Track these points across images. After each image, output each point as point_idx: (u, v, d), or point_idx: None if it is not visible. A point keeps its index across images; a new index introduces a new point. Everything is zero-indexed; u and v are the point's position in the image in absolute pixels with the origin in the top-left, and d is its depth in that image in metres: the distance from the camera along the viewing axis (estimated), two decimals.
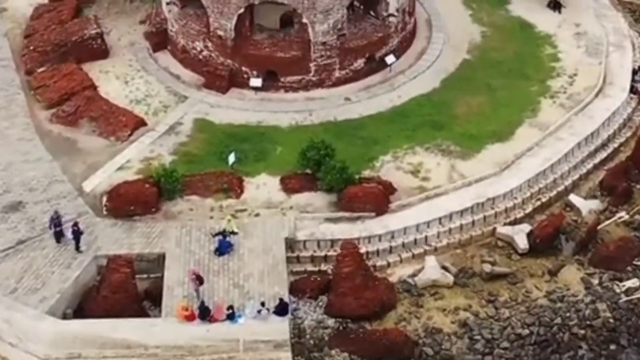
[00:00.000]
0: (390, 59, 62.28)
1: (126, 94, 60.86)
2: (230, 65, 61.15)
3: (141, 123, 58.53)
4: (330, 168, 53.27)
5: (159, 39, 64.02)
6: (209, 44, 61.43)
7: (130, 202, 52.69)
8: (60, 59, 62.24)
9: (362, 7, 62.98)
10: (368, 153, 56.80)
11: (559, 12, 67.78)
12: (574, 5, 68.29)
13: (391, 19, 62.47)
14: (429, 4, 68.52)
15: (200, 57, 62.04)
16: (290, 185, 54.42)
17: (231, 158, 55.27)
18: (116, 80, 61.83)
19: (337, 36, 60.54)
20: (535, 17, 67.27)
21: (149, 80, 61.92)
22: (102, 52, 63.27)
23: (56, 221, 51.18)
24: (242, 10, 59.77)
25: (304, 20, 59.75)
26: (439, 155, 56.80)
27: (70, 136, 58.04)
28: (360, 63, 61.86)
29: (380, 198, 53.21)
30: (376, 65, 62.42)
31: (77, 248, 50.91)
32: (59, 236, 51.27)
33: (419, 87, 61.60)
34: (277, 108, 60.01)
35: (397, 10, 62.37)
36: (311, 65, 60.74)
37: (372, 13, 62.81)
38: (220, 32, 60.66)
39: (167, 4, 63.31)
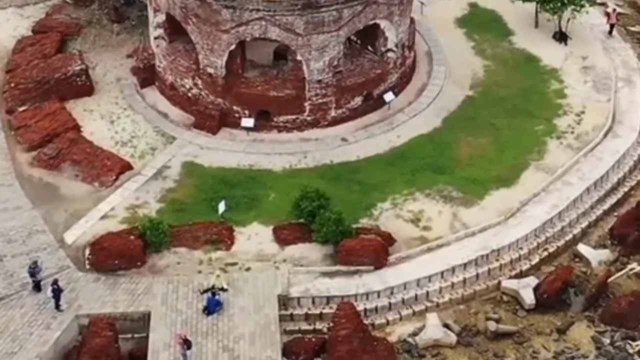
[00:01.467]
0: (389, 96, 59.40)
1: (112, 134, 57.93)
2: (221, 105, 58.27)
3: (127, 167, 55.66)
4: (325, 220, 50.40)
5: (147, 75, 61.12)
6: (199, 82, 58.52)
7: (114, 256, 49.83)
8: (43, 97, 59.34)
9: (359, 42, 60.01)
10: (365, 200, 53.89)
11: (565, 44, 64.88)
12: (580, 37, 65.40)
13: (390, 54, 59.59)
14: (430, 35, 65.59)
15: (190, 95, 59.13)
16: (283, 236, 51.54)
17: (221, 207, 52.38)
18: (101, 120, 58.92)
19: (333, 73, 57.66)
20: (540, 50, 64.35)
21: (135, 120, 59.00)
22: (86, 89, 60.37)
23: (34, 271, 48.35)
24: (233, 46, 56.84)
25: (299, 57, 56.85)
26: (440, 202, 53.89)
27: (52, 181, 55.14)
28: (357, 101, 58.97)
29: (379, 251, 50.36)
30: (374, 103, 59.52)
31: (57, 307, 48.03)
32: (37, 287, 48.45)
33: (419, 127, 58.69)
34: (270, 150, 57.10)
35: (396, 45, 59.47)
36: (306, 104, 57.86)
37: (369, 48, 59.92)
38: (210, 70, 57.74)
39: (155, 38, 60.38)
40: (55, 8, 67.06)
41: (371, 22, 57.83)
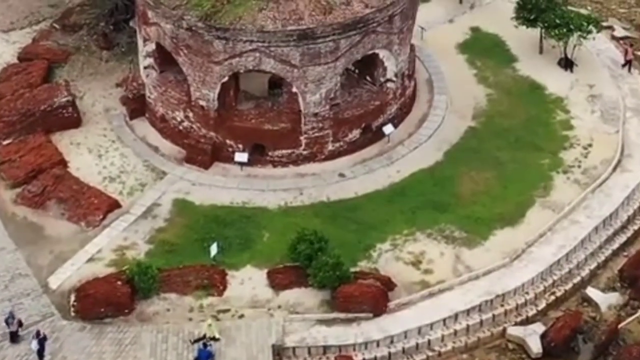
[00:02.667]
0: (388, 128, 57.05)
1: (99, 170, 55.59)
2: (213, 138, 55.93)
3: (115, 205, 53.32)
4: (322, 264, 48.08)
5: (137, 106, 58.78)
6: (190, 114, 56.17)
7: (100, 303, 47.58)
8: (28, 130, 57.00)
9: (357, 71, 57.62)
10: (364, 240, 51.57)
11: (571, 71, 62.49)
12: (586, 64, 63.02)
13: (389, 84, 57.25)
14: (430, 61, 63.22)
15: (181, 128, 56.77)
16: (278, 281, 49.23)
17: (213, 249, 50.05)
18: (88, 154, 56.57)
19: (331, 106, 55.33)
20: (545, 77, 61.97)
21: (124, 153, 56.64)
22: (73, 121, 58.04)
23: (10, 321, 46.10)
24: (226, 78, 54.46)
25: (294, 89, 54.49)
26: (442, 242, 51.57)
27: (37, 221, 52.78)
28: (355, 134, 56.62)
29: (378, 297, 48.09)
30: (373, 135, 57.17)
31: (41, 359, 45.67)
32: (13, 338, 46.18)
33: (419, 161, 56.34)
34: (264, 186, 54.76)
35: (396, 75, 57.12)
36: (302, 138, 55.50)
37: (368, 78, 57.51)
38: (202, 102, 55.38)
39: (145, 68, 57.98)
40: (43, 34, 64.73)
41: (370, 52, 55.39)
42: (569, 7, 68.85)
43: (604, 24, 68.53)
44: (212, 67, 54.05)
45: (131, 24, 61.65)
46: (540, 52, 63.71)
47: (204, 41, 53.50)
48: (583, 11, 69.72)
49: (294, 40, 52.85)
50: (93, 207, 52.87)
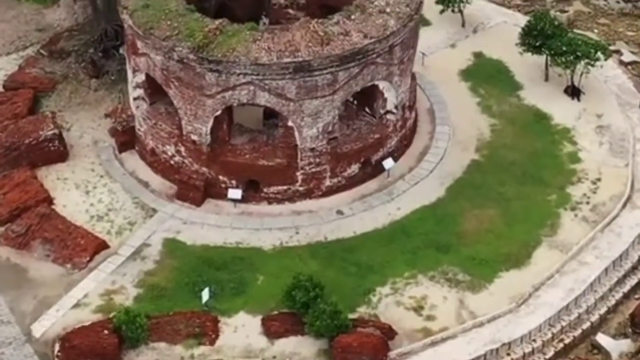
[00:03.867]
0: (388, 163, 54.69)
1: (86, 207, 53.22)
2: (205, 174, 53.56)
3: (102, 246, 50.97)
4: (319, 312, 45.75)
5: (126, 138, 56.40)
6: (182, 149, 53.81)
7: (85, 354, 45.28)
8: (12, 164, 54.56)
9: (355, 102, 55.25)
10: (363, 284, 49.24)
11: (578, 99, 60.15)
12: (594, 91, 60.67)
13: (389, 116, 54.90)
14: (432, 89, 60.87)
15: (172, 162, 54.41)
16: (273, 328, 46.92)
17: (205, 295, 47.73)
18: (75, 190, 54.19)
19: (328, 140, 53.00)
20: (551, 106, 59.60)
21: (113, 189, 54.28)
22: (60, 155, 55.60)
23: None
24: (219, 112, 52.10)
25: (290, 123, 52.12)
26: (445, 286, 49.25)
27: (20, 262, 50.43)
28: (354, 169, 54.28)
29: (378, 348, 45.80)
30: (372, 170, 54.83)
31: None
32: None
33: (421, 197, 53.98)
34: (258, 225, 52.40)
35: (396, 107, 54.78)
36: (298, 174, 53.16)
37: (367, 110, 55.14)
38: (194, 137, 53.02)
39: (135, 99, 55.60)
40: (29, 60, 62.28)
41: (369, 84, 53.06)
42: (575, 30, 67.03)
43: (611, 47, 66.13)
44: (204, 100, 51.73)
45: (121, 51, 59.31)
46: (546, 79, 61.38)
47: (196, 74, 51.16)
48: (589, 34, 67.53)
49: (290, 72, 50.51)
50: (79, 248, 50.53)
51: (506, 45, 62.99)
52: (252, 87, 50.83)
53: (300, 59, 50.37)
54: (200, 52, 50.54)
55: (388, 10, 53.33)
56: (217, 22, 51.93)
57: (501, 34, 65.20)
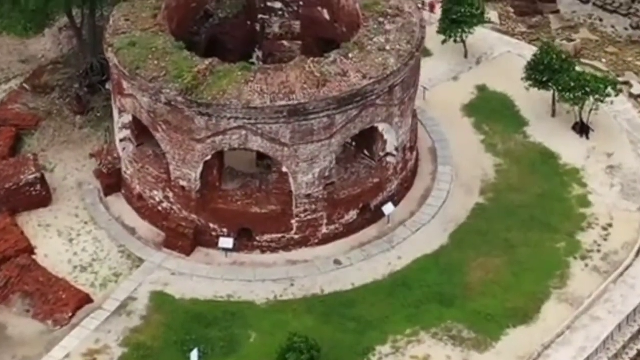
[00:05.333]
0: (388, 208, 51.87)
1: (70, 257, 50.44)
2: (195, 222, 50.71)
3: (85, 300, 48.21)
4: None
5: (112, 181, 53.63)
6: (170, 195, 51.00)
7: None
8: None
9: (353, 144, 52.40)
10: (362, 342, 46.49)
11: (587, 137, 57.33)
12: (603, 128, 57.89)
13: (389, 159, 52.12)
14: (433, 126, 58.11)
15: (160, 208, 51.58)
16: None
17: (193, 357, 44.85)
18: (58, 238, 51.39)
19: (325, 186, 50.23)
20: (559, 145, 56.78)
21: (98, 237, 51.49)
22: (42, 200, 52.84)
23: None
24: (209, 157, 49.28)
25: (284, 169, 49.29)
26: (449, 344, 46.49)
27: None
28: (352, 215, 51.46)
29: None
30: (371, 216, 51.99)
31: None
32: None
33: (423, 245, 51.19)
34: (251, 276, 49.64)
35: (397, 149, 51.94)
36: (293, 221, 50.35)
37: (366, 153, 52.31)
38: (182, 182, 50.19)
39: (121, 140, 52.74)
40: (11, 95, 59.47)
41: (368, 127, 50.27)
42: (582, 60, 64.41)
43: (620, 79, 63.45)
44: (194, 145, 48.92)
45: (107, 86, 56.49)
46: (553, 114, 58.61)
47: (185, 117, 48.36)
48: (597, 64, 64.97)
49: (284, 116, 47.74)
50: (61, 302, 47.73)
51: (511, 78, 60.21)
52: (244, 132, 48.06)
53: (295, 102, 47.63)
54: (189, 95, 47.79)
55: (388, 47, 50.60)
56: (207, 61, 49.16)
57: (505, 65, 62.45)
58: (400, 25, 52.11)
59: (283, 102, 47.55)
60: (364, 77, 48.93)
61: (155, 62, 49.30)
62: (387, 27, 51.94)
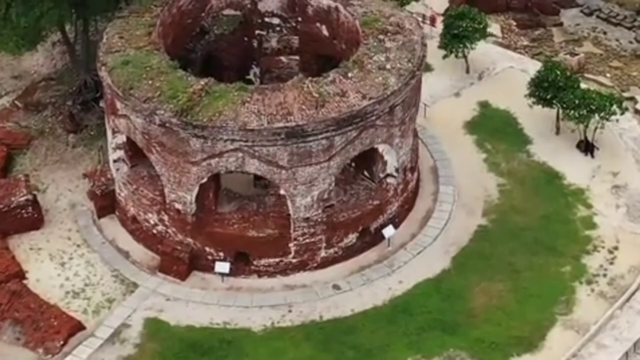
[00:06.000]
0: (388, 231, 50.59)
1: (61, 282, 49.17)
2: (190, 245, 49.40)
3: (77, 327, 46.99)
4: None
5: (106, 203, 52.33)
6: (165, 217, 49.69)
7: None
8: None
9: (353, 165, 51.06)
10: None
11: (592, 155, 56.03)
12: (609, 147, 56.60)
13: (390, 180, 50.85)
14: (434, 144, 56.83)
15: (155, 231, 50.28)
16: None
17: None
18: (50, 262, 50.13)
19: (324, 208, 48.89)
20: (563, 164, 55.48)
21: (90, 261, 50.22)
22: (34, 222, 51.60)
23: None
24: (204, 180, 47.95)
25: (282, 192, 47.97)
26: None
27: None
28: (351, 238, 50.18)
29: None
30: (371, 239, 50.69)
31: None
32: None
33: (424, 269, 49.91)
34: (248, 302, 48.38)
35: (397, 170, 50.61)
36: (291, 245, 49.08)
37: (365, 174, 51.00)
38: (177, 205, 48.87)
39: (114, 161, 51.42)
40: (3, 113, 58.27)
41: (368, 148, 48.98)
42: (587, 75, 63.15)
43: (625, 94, 62.18)
44: (189, 167, 47.61)
45: (101, 103, 55.10)
46: (557, 132, 57.33)
47: (180, 139, 47.04)
48: (602, 79, 63.67)
49: (282, 138, 46.45)
50: (53, 330, 46.46)
51: (514, 94, 58.94)
52: (240, 154, 46.76)
53: (293, 124, 46.34)
54: (184, 116, 46.49)
55: (388, 66, 49.32)
56: (202, 81, 47.85)
57: (508, 81, 61.19)
58: (400, 42, 50.81)
59: (280, 124, 46.26)
60: (364, 97, 47.64)
61: (150, 81, 48.00)
62: (388, 44, 50.62)
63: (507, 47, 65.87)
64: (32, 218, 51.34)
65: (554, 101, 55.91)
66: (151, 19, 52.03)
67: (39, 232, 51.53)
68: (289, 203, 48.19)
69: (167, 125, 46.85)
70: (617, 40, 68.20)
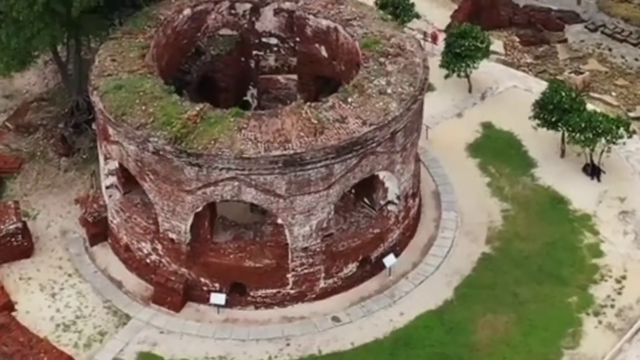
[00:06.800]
0: (389, 260, 49.11)
1: (52, 314, 47.64)
2: (185, 275, 47.90)
3: None
4: None
5: (98, 230, 50.82)
6: (159, 247, 48.16)
7: None
8: None
9: (353, 192, 49.53)
10: None
11: (598, 179, 54.54)
12: (615, 170, 55.14)
13: (390, 207, 49.36)
14: (437, 167, 55.39)
15: (148, 261, 48.79)
16: None
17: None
18: (40, 293, 48.62)
19: (322, 238, 47.35)
20: (569, 188, 54.01)
21: (82, 291, 48.72)
22: (24, 250, 50.11)
23: None
24: (199, 209, 46.43)
25: (279, 221, 46.44)
26: None
27: None
28: (351, 268, 48.69)
29: None
30: (372, 268, 49.20)
31: None
32: None
33: (426, 299, 48.41)
34: (245, 335, 46.89)
35: (398, 197, 49.09)
36: (289, 275, 47.59)
37: (366, 201, 49.49)
38: (172, 235, 47.37)
39: (107, 187, 49.89)
40: None
41: (368, 175, 47.47)
42: (592, 94, 61.77)
43: (631, 114, 60.82)
44: (183, 196, 46.09)
45: (94, 125, 53.46)
46: (562, 155, 55.90)
47: (174, 167, 45.51)
48: (607, 98, 62.40)
49: (280, 167, 44.92)
50: None
51: (517, 114, 57.55)
52: (236, 183, 45.24)
53: (291, 152, 44.83)
54: (178, 144, 44.97)
55: (389, 91, 47.82)
56: (197, 107, 46.35)
57: (512, 101, 59.80)
58: (402, 65, 49.32)
59: (278, 152, 44.75)
60: (364, 123, 46.13)
61: (143, 107, 46.49)
62: (388, 67, 49.15)
63: (511, 64, 64.55)
64: (22, 246, 49.86)
65: (559, 124, 54.39)
66: (145, 40, 50.53)
67: (29, 260, 50.06)
68: (286, 232, 46.71)
69: (161, 153, 45.34)
70: (622, 57, 66.84)
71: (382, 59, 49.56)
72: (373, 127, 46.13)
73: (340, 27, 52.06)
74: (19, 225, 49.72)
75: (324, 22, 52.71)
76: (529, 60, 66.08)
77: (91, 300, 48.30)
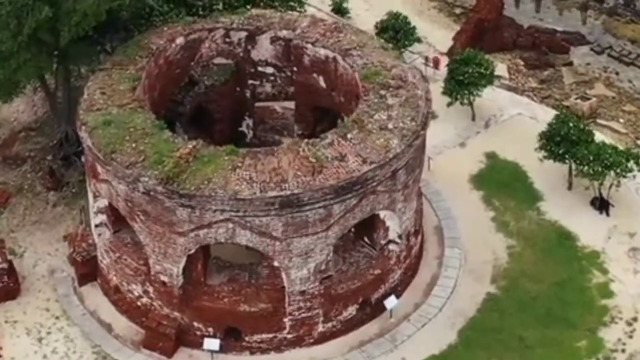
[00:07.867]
0: (390, 301, 47.22)
1: None
2: (178, 320, 45.96)
3: None
4: None
5: (87, 270, 48.86)
6: (150, 289, 46.20)
7: None
8: None
9: (352, 231, 47.52)
10: None
11: (607, 214, 52.59)
12: (624, 204, 53.23)
13: (392, 246, 47.41)
14: (439, 201, 53.49)
15: (139, 304, 46.82)
16: None
17: None
18: (26, 337, 46.82)
19: (321, 280, 45.37)
20: (577, 223, 52.08)
21: (70, 335, 46.89)
22: (10, 292, 48.34)
23: None
24: (192, 251, 44.45)
25: (276, 264, 44.48)
26: None
27: None
28: (351, 311, 46.79)
29: None
30: (372, 310, 47.25)
31: None
32: None
33: (428, 343, 46.58)
34: None
35: (400, 236, 47.11)
36: (286, 320, 45.68)
37: (366, 240, 47.51)
38: (163, 277, 45.43)
39: (96, 226, 47.89)
40: None
41: (368, 215, 45.50)
42: (598, 121, 59.79)
43: None
44: (175, 238, 44.15)
45: (83, 158, 51.50)
46: (570, 187, 53.96)
47: (165, 208, 43.55)
48: (614, 124, 60.35)
49: (276, 208, 42.95)
50: None
51: (523, 144, 55.64)
52: (231, 225, 43.32)
53: (288, 192, 42.88)
54: (169, 184, 43.04)
55: (390, 126, 45.86)
56: (190, 144, 44.44)
57: (517, 129, 57.90)
58: (403, 98, 47.36)
59: (274, 193, 42.81)
60: (364, 161, 44.17)
61: (133, 144, 44.55)
62: (389, 101, 47.20)
63: (515, 89, 62.41)
64: (7, 287, 48.07)
65: (567, 156, 52.43)
66: (136, 71, 48.62)
67: (15, 301, 48.18)
68: (283, 275, 44.78)
69: (152, 193, 43.40)
70: (629, 81, 64.84)
71: (382, 92, 47.64)
72: (373, 165, 44.22)
73: (339, 57, 50.14)
74: (5, 266, 48.02)
75: (323, 52, 50.75)
76: (534, 85, 64.02)
77: (79, 345, 46.44)
